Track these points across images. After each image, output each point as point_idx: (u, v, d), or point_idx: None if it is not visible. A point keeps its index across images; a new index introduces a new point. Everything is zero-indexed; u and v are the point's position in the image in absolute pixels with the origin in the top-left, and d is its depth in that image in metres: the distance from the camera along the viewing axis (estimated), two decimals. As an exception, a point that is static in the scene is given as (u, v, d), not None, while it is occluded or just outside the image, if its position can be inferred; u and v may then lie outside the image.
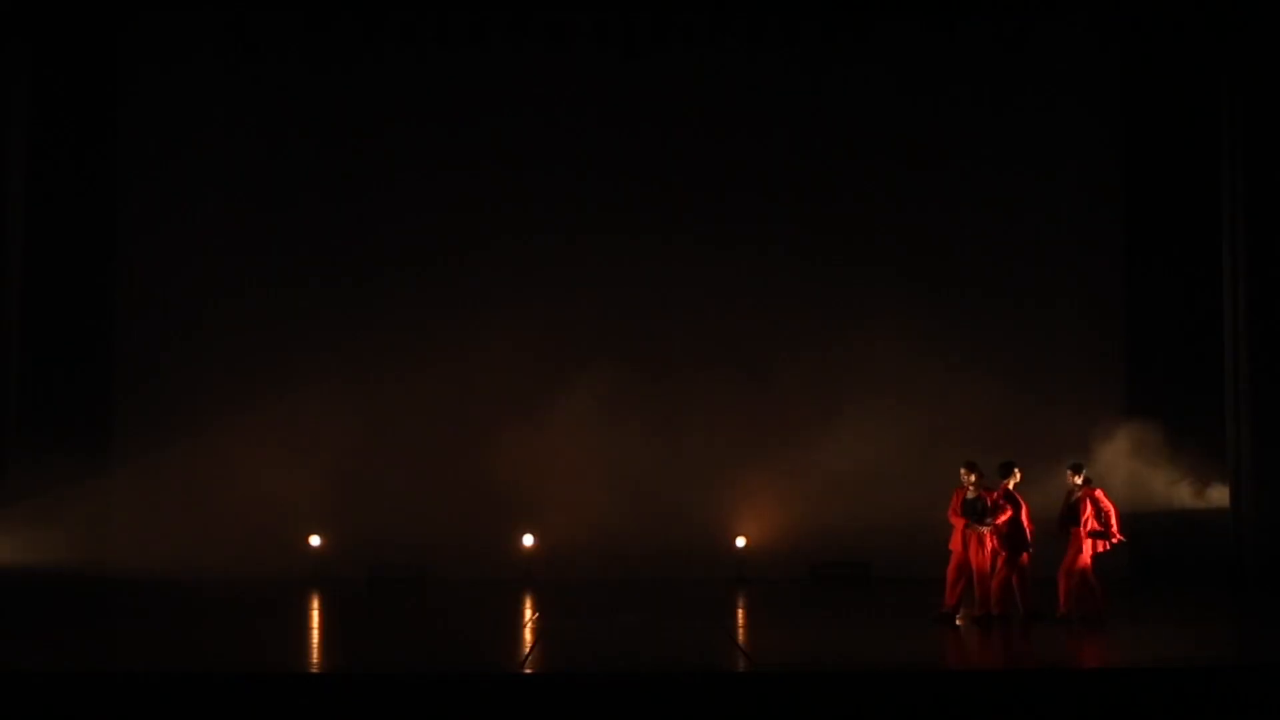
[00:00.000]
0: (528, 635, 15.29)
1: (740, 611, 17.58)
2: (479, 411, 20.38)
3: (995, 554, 15.24)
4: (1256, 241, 18.99)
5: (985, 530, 15.24)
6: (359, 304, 20.83)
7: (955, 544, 15.48)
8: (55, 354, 19.92)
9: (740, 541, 20.74)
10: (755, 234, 20.96)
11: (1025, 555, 15.24)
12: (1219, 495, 18.92)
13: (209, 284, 20.72)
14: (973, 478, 15.38)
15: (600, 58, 20.67)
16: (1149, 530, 18.12)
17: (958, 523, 15.43)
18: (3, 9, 19.07)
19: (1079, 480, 15.53)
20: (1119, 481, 17.19)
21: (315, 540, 20.52)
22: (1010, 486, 15.29)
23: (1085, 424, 18.41)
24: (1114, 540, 15.48)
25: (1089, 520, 15.32)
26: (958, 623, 15.25)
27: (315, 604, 18.48)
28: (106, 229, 20.81)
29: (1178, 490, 18.41)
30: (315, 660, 13.67)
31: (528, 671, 12.29)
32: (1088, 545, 15.31)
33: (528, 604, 18.19)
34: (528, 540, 20.58)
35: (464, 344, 20.38)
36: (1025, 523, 15.22)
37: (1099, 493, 15.51)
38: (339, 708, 11.33)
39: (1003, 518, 15.15)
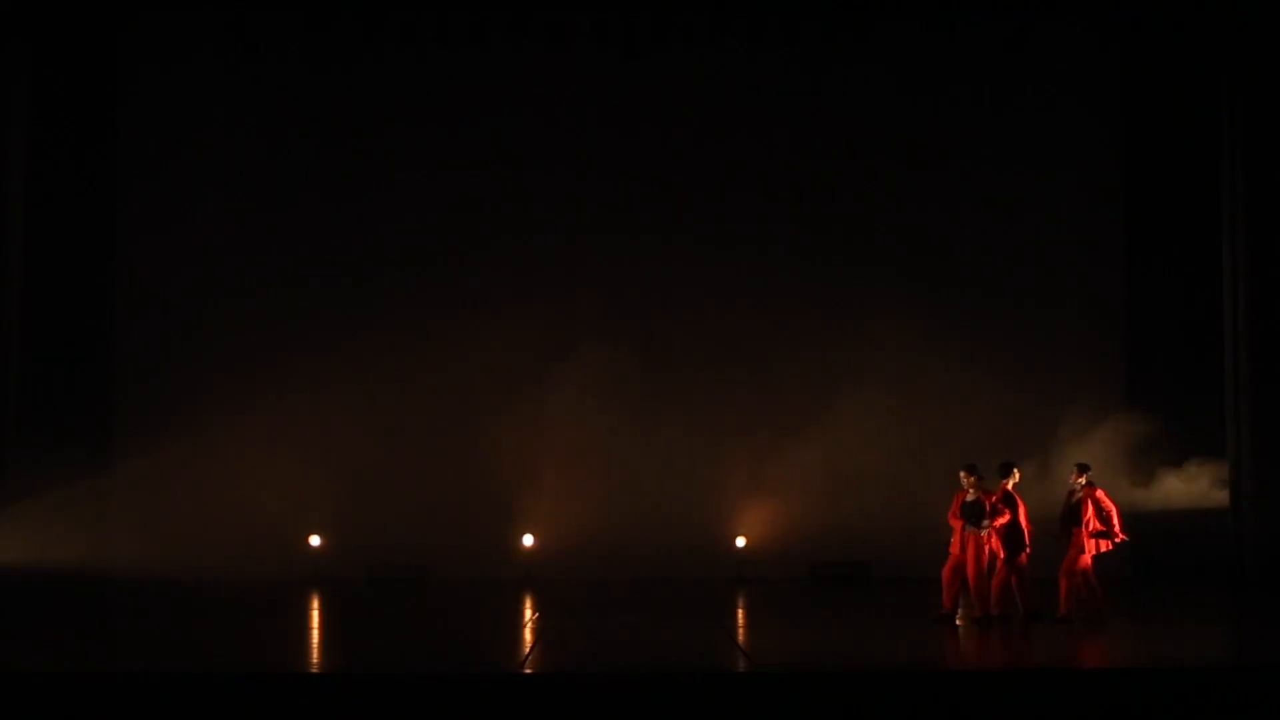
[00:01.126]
0: (528, 635, 15.28)
1: (740, 611, 17.57)
2: (479, 411, 20.36)
3: (994, 555, 15.24)
4: (1256, 241, 19.02)
5: (984, 532, 15.23)
6: (359, 304, 20.82)
7: (955, 546, 15.49)
8: (55, 354, 19.93)
9: (740, 541, 20.73)
10: (755, 234, 20.97)
11: (1024, 555, 15.22)
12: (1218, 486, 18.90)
13: (209, 284, 20.72)
14: (972, 480, 15.38)
15: (600, 58, 20.68)
16: (1149, 530, 18.07)
17: (957, 525, 15.44)
18: (3, 9, 19.09)
19: (1082, 481, 15.52)
20: (1116, 480, 17.18)
21: (315, 540, 20.52)
22: (1010, 487, 15.27)
23: (1085, 424, 18.40)
24: (1117, 540, 15.48)
25: (1091, 520, 15.31)
26: (957, 623, 15.25)
27: (315, 604, 18.48)
28: (106, 229, 20.80)
29: (1180, 487, 18.36)
30: (315, 660, 13.67)
31: (528, 671, 12.28)
32: (1090, 545, 15.30)
33: (528, 604, 18.19)
34: (528, 540, 20.57)
35: (464, 344, 20.37)
36: (1023, 523, 15.20)
37: (1100, 493, 15.49)
38: (339, 708, 11.33)
39: (1000, 521, 15.14)
